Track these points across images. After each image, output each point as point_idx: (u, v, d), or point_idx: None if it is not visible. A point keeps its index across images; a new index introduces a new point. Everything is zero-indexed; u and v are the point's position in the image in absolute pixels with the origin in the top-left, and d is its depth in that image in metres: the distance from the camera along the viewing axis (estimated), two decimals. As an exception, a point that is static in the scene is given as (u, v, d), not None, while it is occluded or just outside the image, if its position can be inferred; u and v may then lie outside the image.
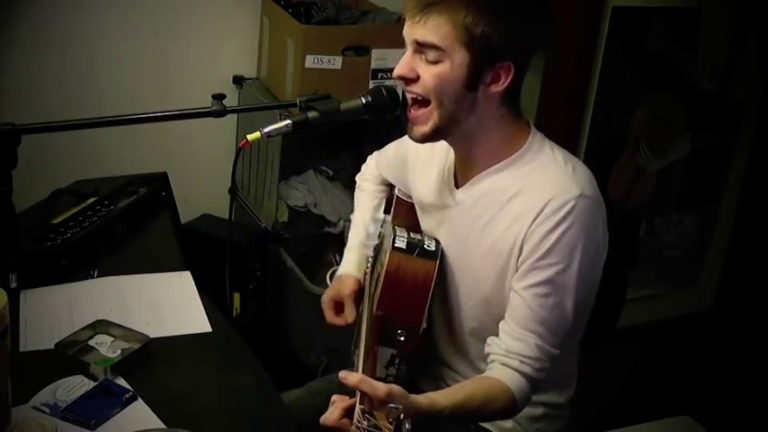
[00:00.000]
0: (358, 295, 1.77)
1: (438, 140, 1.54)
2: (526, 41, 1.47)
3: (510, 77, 1.45)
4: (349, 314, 1.74)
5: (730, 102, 3.08)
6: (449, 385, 1.68)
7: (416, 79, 1.45)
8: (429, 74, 1.43)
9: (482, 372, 1.56)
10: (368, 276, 1.78)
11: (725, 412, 2.79)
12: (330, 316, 1.78)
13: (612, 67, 2.77)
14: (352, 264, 1.84)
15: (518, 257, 1.48)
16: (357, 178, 1.96)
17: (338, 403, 1.27)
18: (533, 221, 1.45)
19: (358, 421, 1.13)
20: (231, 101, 2.29)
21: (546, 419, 1.65)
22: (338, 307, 1.78)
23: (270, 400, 1.49)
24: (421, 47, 1.43)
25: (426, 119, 1.47)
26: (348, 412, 1.24)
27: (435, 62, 1.42)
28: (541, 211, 1.45)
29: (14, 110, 2.37)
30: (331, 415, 1.26)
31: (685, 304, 3.38)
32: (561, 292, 1.46)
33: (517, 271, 1.48)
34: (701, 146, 3.09)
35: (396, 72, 1.47)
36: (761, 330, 3.13)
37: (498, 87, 1.45)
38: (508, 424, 1.63)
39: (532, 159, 1.51)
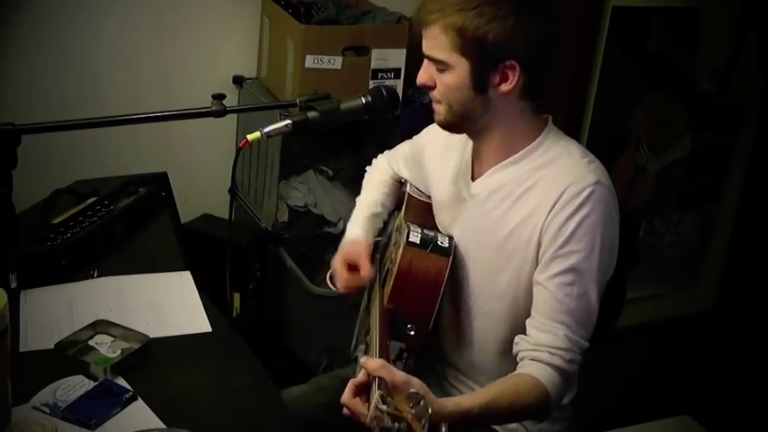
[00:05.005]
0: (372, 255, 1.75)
1: (455, 132, 1.59)
2: (526, 38, 1.44)
3: (518, 76, 1.45)
4: (366, 271, 1.70)
5: (730, 102, 3.08)
6: (451, 384, 1.68)
7: (435, 86, 1.51)
8: (440, 82, 1.50)
9: (484, 369, 1.56)
10: (376, 272, 1.77)
11: (725, 412, 2.79)
12: (344, 277, 1.72)
13: (612, 66, 2.77)
14: (359, 230, 1.80)
15: (537, 250, 1.48)
16: (367, 171, 1.95)
17: (350, 383, 1.28)
18: (550, 211, 1.45)
19: (378, 404, 1.13)
20: (231, 101, 2.29)
21: (549, 420, 1.64)
22: (351, 270, 1.73)
23: (269, 400, 1.49)
24: (429, 59, 1.49)
25: (439, 113, 1.53)
26: (359, 390, 1.26)
27: (443, 71, 1.47)
28: (558, 198, 1.45)
29: (14, 110, 2.37)
30: (345, 395, 1.27)
31: (685, 304, 3.38)
32: (585, 280, 1.44)
33: (538, 264, 1.48)
34: (700, 146, 3.09)
35: (417, 81, 1.54)
36: (761, 330, 3.13)
37: (508, 86, 1.46)
38: (512, 425, 1.63)
39: (547, 151, 1.52)
